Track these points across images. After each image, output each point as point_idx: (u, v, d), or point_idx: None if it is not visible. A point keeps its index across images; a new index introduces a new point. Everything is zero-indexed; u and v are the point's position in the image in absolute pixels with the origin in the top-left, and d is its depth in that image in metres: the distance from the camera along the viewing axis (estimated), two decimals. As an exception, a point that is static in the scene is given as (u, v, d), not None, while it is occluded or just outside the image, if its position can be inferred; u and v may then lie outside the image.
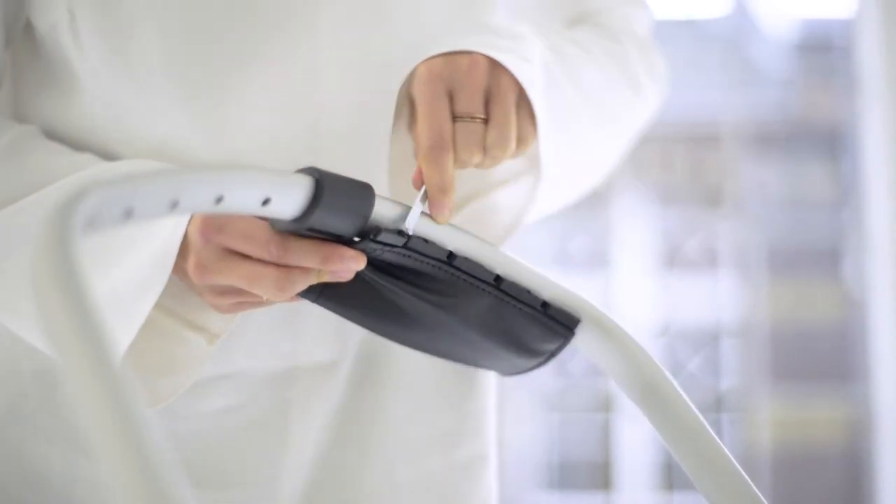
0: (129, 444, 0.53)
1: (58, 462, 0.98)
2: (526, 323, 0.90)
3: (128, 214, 0.66)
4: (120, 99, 0.94)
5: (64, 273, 0.57)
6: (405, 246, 0.85)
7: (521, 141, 0.89)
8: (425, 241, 0.86)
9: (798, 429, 3.48)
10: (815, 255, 3.55)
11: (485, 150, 0.87)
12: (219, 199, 0.73)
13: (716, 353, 3.61)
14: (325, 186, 0.80)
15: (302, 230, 0.81)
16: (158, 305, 0.90)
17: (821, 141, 3.60)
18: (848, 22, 3.54)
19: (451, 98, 0.87)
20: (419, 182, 0.86)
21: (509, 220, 0.98)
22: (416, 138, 0.87)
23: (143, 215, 0.68)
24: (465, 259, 0.88)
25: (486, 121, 0.87)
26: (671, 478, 3.54)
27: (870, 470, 3.41)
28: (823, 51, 3.65)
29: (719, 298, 3.61)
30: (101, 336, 0.55)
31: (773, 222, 3.53)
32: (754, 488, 0.83)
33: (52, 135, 0.97)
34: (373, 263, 0.86)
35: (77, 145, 0.96)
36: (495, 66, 0.88)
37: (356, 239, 0.84)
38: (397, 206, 0.85)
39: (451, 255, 0.87)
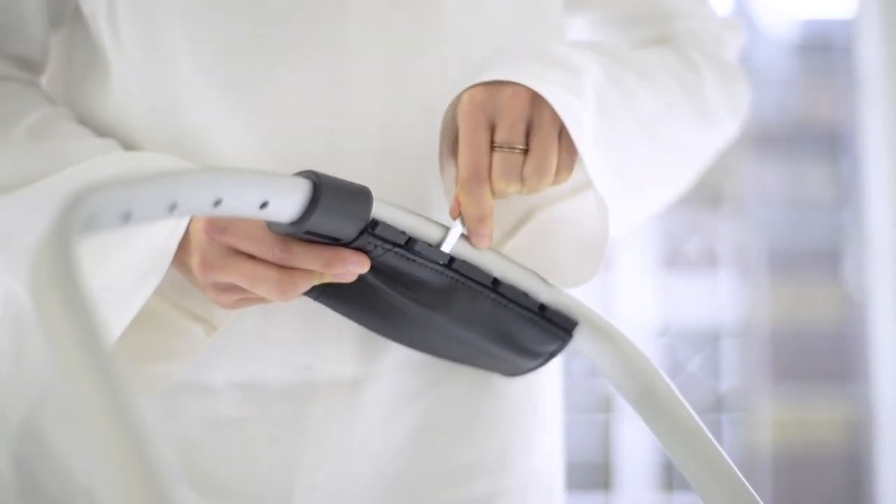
0: (122, 444, 0.53)
1: (83, 459, 0.98)
2: (524, 325, 0.91)
3: (126, 217, 0.67)
4: (151, 90, 0.95)
5: (62, 278, 0.57)
6: (406, 245, 0.86)
7: (561, 170, 0.89)
8: (429, 245, 0.86)
9: (798, 429, 3.48)
10: (815, 255, 3.54)
11: (522, 180, 0.87)
12: (217, 202, 0.74)
13: (716, 353, 3.61)
14: (323, 190, 0.80)
15: (300, 233, 0.82)
16: (162, 294, 0.91)
17: (821, 141, 3.59)
18: (848, 22, 3.54)
19: (493, 128, 0.88)
20: (456, 211, 0.87)
21: (582, 231, 0.96)
22: (458, 167, 0.88)
23: (141, 218, 0.68)
24: (464, 262, 0.88)
25: (525, 151, 0.87)
26: (671, 478, 3.54)
27: (870, 470, 3.41)
28: (823, 51, 3.64)
29: (719, 298, 3.61)
30: (100, 343, 0.56)
31: (773, 222, 3.53)
32: (752, 490, 0.83)
33: (93, 121, 0.98)
34: (373, 267, 0.86)
35: (112, 133, 0.97)
36: (539, 97, 0.88)
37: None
38: (437, 227, 0.87)
39: (450, 258, 0.88)
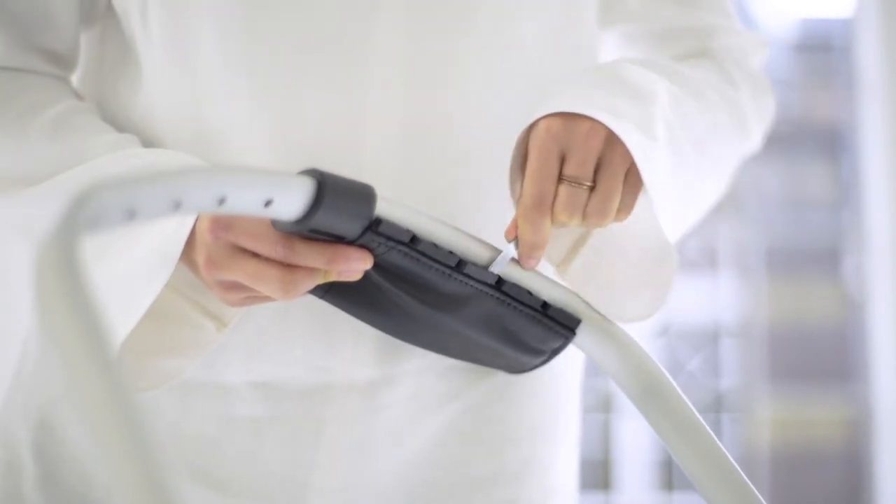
0: (124, 442, 0.54)
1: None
2: (527, 324, 0.91)
3: (131, 215, 0.67)
4: (176, 88, 0.95)
5: (66, 277, 0.57)
6: (410, 243, 0.86)
7: (623, 209, 0.90)
8: (435, 245, 0.87)
9: (797, 429, 3.48)
10: (814, 255, 3.55)
11: (584, 215, 0.88)
12: (221, 200, 0.74)
13: (715, 353, 3.61)
14: (327, 188, 0.80)
15: (304, 231, 0.82)
16: (176, 290, 0.92)
17: (821, 141, 3.59)
18: (847, 21, 3.54)
19: (564, 159, 0.88)
20: (513, 232, 0.88)
21: (641, 244, 0.96)
22: (522, 192, 0.88)
23: (145, 216, 0.68)
24: (472, 265, 0.89)
25: (592, 187, 0.88)
26: (671, 477, 3.54)
27: (869, 470, 3.41)
28: (823, 51, 3.64)
29: (719, 298, 3.61)
30: (103, 342, 0.56)
31: (773, 222, 3.53)
32: (753, 489, 0.83)
33: (122, 119, 0.99)
34: (377, 265, 0.86)
35: (139, 132, 0.97)
36: (614, 134, 0.88)
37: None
38: (487, 248, 0.88)
39: (458, 261, 0.88)
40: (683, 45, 1.09)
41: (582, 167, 0.87)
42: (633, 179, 0.89)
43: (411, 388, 0.98)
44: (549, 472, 1.05)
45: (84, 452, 0.99)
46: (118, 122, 0.99)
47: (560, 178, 0.88)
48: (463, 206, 0.96)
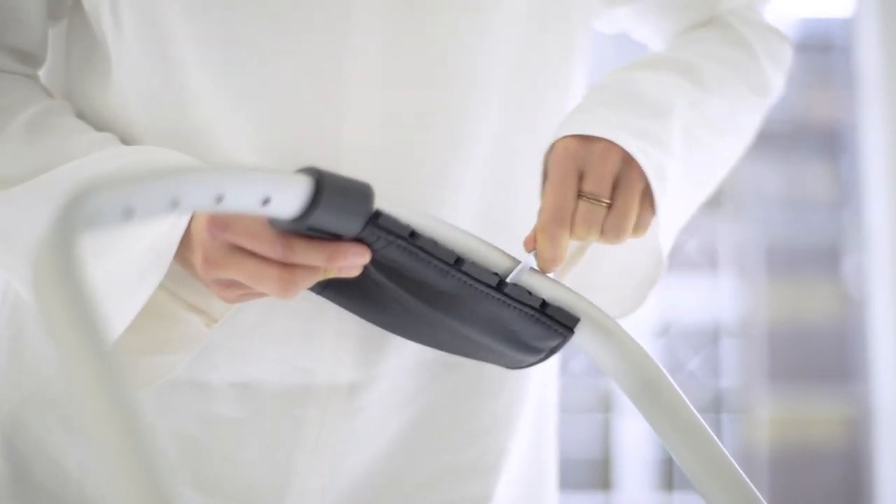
0: (122, 440, 0.54)
1: (74, 452, 0.98)
2: (525, 322, 0.91)
3: (128, 214, 0.67)
4: (153, 84, 0.95)
5: (64, 275, 0.58)
6: (411, 239, 0.86)
7: (640, 227, 0.92)
8: (435, 242, 0.87)
9: (797, 428, 3.48)
10: (814, 255, 3.55)
11: (602, 232, 0.90)
12: (219, 199, 0.74)
13: (715, 352, 3.61)
14: (325, 186, 0.80)
15: (302, 229, 0.82)
16: (161, 286, 0.91)
17: (820, 141, 3.59)
18: (847, 21, 3.54)
19: (582, 177, 0.90)
20: (531, 244, 0.89)
21: (633, 258, 1.00)
22: (541, 207, 0.90)
23: (143, 215, 0.68)
24: (472, 264, 0.89)
25: (610, 205, 0.90)
26: (671, 477, 3.54)
27: (869, 469, 3.41)
28: (823, 51, 3.64)
29: (719, 298, 3.61)
30: (101, 340, 0.56)
31: (773, 222, 3.53)
32: (752, 487, 0.83)
33: (93, 115, 0.98)
34: (376, 262, 0.86)
35: (112, 127, 0.97)
36: (630, 154, 0.91)
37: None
38: (505, 258, 0.89)
39: (457, 258, 0.88)
40: (692, 15, 1.10)
41: (599, 184, 0.89)
42: (649, 199, 0.92)
43: (386, 386, 0.98)
44: (523, 463, 1.05)
45: (57, 450, 0.98)
46: (88, 119, 0.98)
47: (579, 195, 0.90)
48: (442, 205, 0.96)
